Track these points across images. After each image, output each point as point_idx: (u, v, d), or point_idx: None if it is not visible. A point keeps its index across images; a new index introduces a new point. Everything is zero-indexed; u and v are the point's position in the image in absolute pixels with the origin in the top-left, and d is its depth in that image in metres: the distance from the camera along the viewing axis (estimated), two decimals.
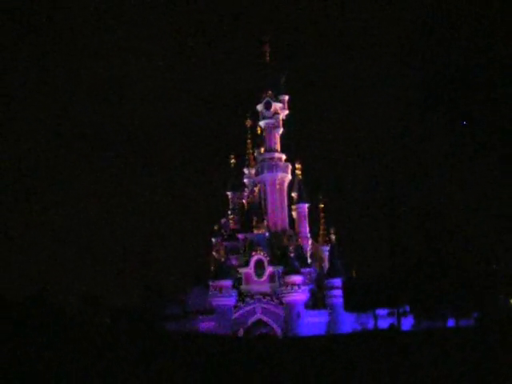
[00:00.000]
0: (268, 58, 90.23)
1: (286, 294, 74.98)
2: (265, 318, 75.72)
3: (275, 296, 76.51)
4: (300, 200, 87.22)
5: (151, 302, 79.32)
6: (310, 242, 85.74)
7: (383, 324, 71.27)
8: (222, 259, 78.85)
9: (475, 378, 40.23)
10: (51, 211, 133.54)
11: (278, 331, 74.43)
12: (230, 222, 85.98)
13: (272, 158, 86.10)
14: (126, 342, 41.23)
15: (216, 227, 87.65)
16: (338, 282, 77.74)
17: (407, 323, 69.31)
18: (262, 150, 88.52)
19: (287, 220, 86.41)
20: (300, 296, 75.08)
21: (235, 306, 76.20)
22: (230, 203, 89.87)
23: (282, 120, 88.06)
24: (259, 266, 78.57)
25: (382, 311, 71.76)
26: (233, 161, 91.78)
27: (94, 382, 36.39)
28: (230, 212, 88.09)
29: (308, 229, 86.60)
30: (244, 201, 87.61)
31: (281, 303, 75.46)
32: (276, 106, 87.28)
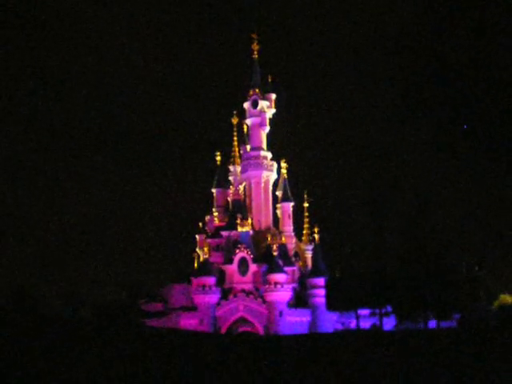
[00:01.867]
0: (256, 56, 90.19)
1: (269, 292, 75.03)
2: (247, 316, 75.74)
3: (258, 294, 76.56)
4: (285, 199, 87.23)
5: (133, 298, 79.10)
6: (293, 240, 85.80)
7: (365, 324, 71.50)
8: (206, 256, 78.78)
9: (455, 379, 40.46)
10: (32, 208, 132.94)
11: (260, 329, 74.48)
12: (215, 219, 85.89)
13: (257, 156, 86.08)
14: (106, 338, 41.09)
15: (200, 224, 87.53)
16: (320, 281, 77.96)
17: (389, 323, 69.52)
18: (248, 147, 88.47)
19: (271, 218, 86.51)
20: (283, 295, 75.15)
21: (218, 304, 76.18)
22: (215, 200, 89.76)
23: (269, 118, 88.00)
24: (243, 263, 78.55)
25: (364, 311, 71.90)
26: (218, 158, 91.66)
27: (75, 378, 36.22)
28: (214, 209, 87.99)
29: (292, 227, 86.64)
30: (229, 198, 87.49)
31: (264, 301, 75.52)
32: (263, 104, 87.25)
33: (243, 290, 77.13)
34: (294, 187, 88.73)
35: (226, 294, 77.33)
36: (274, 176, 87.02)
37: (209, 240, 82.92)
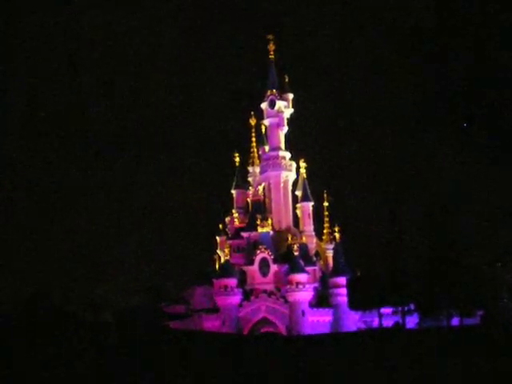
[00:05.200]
0: (273, 56, 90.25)
1: (291, 292, 74.96)
2: (269, 317, 75.75)
3: (280, 294, 76.54)
4: (304, 198, 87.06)
5: (155, 301, 79.47)
6: (314, 240, 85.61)
7: (388, 322, 71.36)
8: (227, 258, 78.91)
9: (479, 377, 40.24)
10: (53, 212, 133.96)
11: (283, 330, 74.43)
12: (235, 220, 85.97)
13: (276, 157, 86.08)
14: (129, 341, 41.35)
15: (221, 226, 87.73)
16: (342, 280, 77.69)
17: (412, 321, 69.28)
18: (267, 148, 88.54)
19: (291, 218, 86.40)
20: (305, 294, 75.05)
21: (240, 305, 76.29)
22: (235, 202, 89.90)
23: (287, 118, 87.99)
24: (264, 264, 78.61)
25: (386, 309, 71.70)
26: (237, 159, 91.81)
27: (98, 381, 36.49)
28: (234, 210, 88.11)
29: (312, 227, 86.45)
30: (248, 199, 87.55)
31: (285, 301, 75.47)
32: (280, 104, 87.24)
33: (265, 291, 77.18)
34: (313, 187, 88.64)
35: (247, 295, 77.43)
36: (293, 176, 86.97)
37: (229, 241, 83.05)
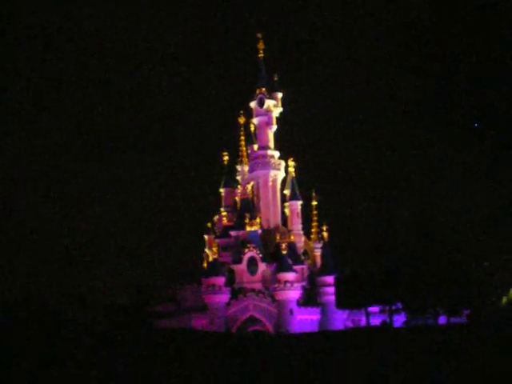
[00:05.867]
0: (262, 55, 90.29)
1: (279, 291, 75.10)
2: (257, 315, 75.83)
3: (268, 293, 76.66)
4: (293, 197, 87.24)
5: (144, 300, 79.39)
6: (302, 239, 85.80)
7: (375, 321, 71.61)
8: (215, 256, 78.93)
9: (466, 375, 40.46)
10: (40, 211, 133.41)
11: (271, 328, 74.56)
12: (223, 219, 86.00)
13: (265, 156, 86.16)
14: (116, 338, 41.27)
15: (209, 224, 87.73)
16: (330, 279, 77.95)
17: (399, 320, 69.57)
18: (255, 147, 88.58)
19: (280, 217, 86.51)
20: (293, 293, 75.21)
21: (228, 303, 76.32)
22: (223, 200, 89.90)
23: (276, 117, 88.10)
24: (252, 263, 78.67)
25: (374, 308, 71.97)
26: (226, 158, 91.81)
27: (86, 378, 36.41)
28: (222, 209, 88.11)
29: (301, 226, 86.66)
30: (237, 198, 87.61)
31: (273, 300, 75.61)
32: (269, 103, 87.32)
33: (253, 290, 77.28)
34: (301, 186, 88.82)
35: (235, 293, 77.46)
36: (281, 175, 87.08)
37: (218, 240, 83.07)
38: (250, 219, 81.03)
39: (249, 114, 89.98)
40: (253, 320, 76.10)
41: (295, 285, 75.52)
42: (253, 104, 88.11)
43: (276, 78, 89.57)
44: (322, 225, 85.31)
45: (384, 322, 70.09)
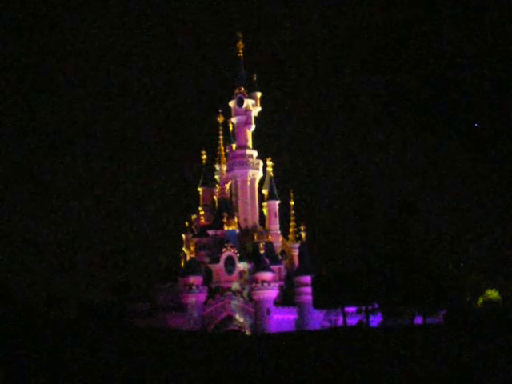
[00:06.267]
0: (241, 54, 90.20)
1: (256, 290, 75.06)
2: (234, 315, 75.73)
3: (245, 293, 76.62)
4: (271, 197, 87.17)
5: (119, 298, 78.85)
6: (280, 239, 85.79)
7: (352, 321, 71.88)
8: (193, 255, 78.72)
9: (442, 375, 40.69)
10: (17, 208, 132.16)
11: (248, 328, 74.51)
12: (201, 218, 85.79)
13: (243, 155, 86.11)
14: (93, 338, 40.98)
15: (186, 223, 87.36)
16: (307, 279, 78.10)
17: (376, 320, 69.88)
18: (234, 146, 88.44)
19: (258, 217, 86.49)
20: (270, 293, 75.20)
21: (205, 303, 76.16)
22: (201, 199, 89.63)
23: (254, 117, 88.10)
24: (229, 262, 78.54)
25: (351, 308, 72.22)
26: (204, 157, 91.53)
27: (63, 378, 36.10)
28: (200, 208, 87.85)
29: (278, 226, 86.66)
30: (215, 197, 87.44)
31: (250, 300, 75.58)
32: (248, 102, 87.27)
33: (230, 289, 77.20)
34: (279, 185, 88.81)
35: (213, 293, 77.32)
36: (259, 174, 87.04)
37: (195, 239, 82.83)
38: (228, 218, 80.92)
39: (228, 113, 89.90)
40: (230, 319, 76.00)
41: (272, 284, 75.53)
42: (232, 103, 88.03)
43: (255, 78, 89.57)
44: (299, 225, 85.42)
45: (360, 322, 70.36)
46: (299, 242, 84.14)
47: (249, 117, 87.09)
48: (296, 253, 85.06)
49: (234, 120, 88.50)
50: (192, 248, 79.71)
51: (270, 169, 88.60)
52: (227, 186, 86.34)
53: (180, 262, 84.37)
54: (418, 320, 67.51)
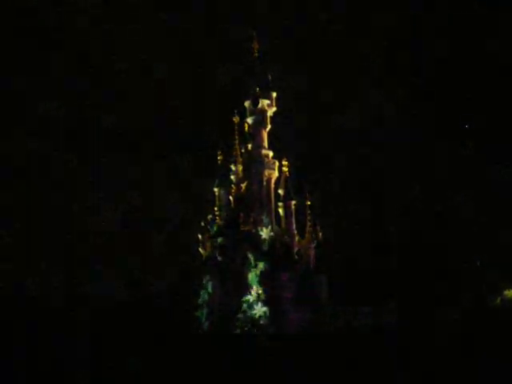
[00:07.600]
0: (256, 54, 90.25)
1: (273, 290, 75.20)
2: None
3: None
4: (287, 197, 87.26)
5: (137, 298, 79.45)
6: (296, 238, 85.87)
7: (368, 321, 71.85)
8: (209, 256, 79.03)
9: (456, 372, 40.67)
10: (31, 204, 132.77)
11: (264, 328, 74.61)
12: (217, 218, 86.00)
13: (259, 155, 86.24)
14: (110, 337, 41.35)
15: (203, 224, 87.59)
16: (323, 278, 78.20)
17: (392, 319, 69.81)
18: (249, 146, 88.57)
19: (274, 217, 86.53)
20: (286, 293, 75.33)
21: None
22: (217, 200, 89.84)
23: (270, 117, 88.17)
24: (245, 262, 78.68)
25: (366, 308, 72.25)
26: (220, 157, 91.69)
27: (80, 376, 36.50)
28: (216, 209, 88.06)
29: (294, 226, 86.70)
30: (231, 197, 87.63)
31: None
32: (263, 102, 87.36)
33: None
34: (295, 185, 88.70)
35: None
36: (275, 174, 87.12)
37: (211, 239, 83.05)
38: (244, 219, 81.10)
39: (243, 114, 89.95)
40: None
41: (289, 284, 75.65)
42: (247, 103, 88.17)
43: (270, 78, 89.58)
44: (315, 224, 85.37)
45: (376, 321, 70.42)
46: (315, 241, 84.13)
47: (264, 117, 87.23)
48: (312, 253, 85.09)
49: (249, 120, 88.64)
50: (208, 248, 79.99)
51: (285, 169, 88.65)
52: (243, 186, 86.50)
53: (197, 263, 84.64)
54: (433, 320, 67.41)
